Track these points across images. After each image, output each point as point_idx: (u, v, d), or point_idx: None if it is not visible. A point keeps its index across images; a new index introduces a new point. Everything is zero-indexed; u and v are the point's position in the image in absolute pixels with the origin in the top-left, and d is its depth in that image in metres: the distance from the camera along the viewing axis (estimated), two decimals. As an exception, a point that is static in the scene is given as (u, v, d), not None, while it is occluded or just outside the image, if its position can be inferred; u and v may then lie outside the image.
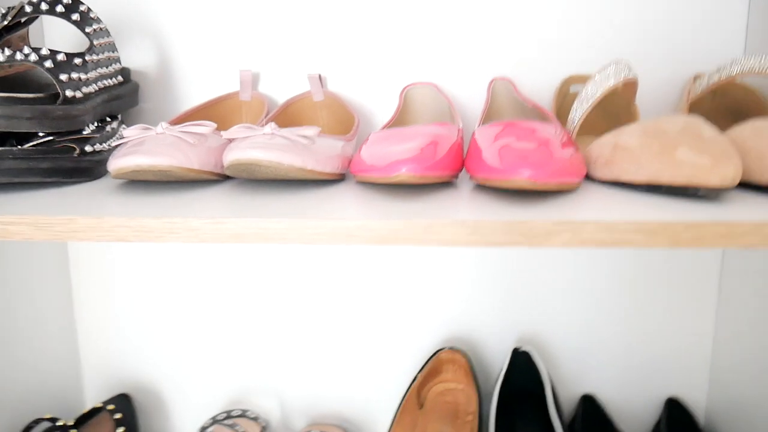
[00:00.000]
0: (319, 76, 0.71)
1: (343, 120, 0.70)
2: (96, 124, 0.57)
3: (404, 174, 0.43)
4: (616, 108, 0.63)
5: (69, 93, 0.53)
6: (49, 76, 0.52)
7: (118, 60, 0.64)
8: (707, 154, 0.43)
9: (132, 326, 0.82)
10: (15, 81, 0.60)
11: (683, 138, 0.45)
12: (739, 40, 0.69)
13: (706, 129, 0.46)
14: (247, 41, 0.73)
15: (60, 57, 0.53)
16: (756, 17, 0.67)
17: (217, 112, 0.71)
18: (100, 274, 0.80)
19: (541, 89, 0.71)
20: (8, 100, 0.49)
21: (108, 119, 0.61)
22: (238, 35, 0.73)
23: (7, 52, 0.52)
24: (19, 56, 0.52)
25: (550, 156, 0.43)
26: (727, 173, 0.41)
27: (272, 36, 0.72)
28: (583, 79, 0.69)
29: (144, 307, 0.81)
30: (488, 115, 0.64)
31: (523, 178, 0.41)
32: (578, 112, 0.56)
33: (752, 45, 0.68)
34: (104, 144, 0.57)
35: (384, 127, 0.61)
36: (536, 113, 0.63)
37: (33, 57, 0.52)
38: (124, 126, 0.63)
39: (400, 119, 0.68)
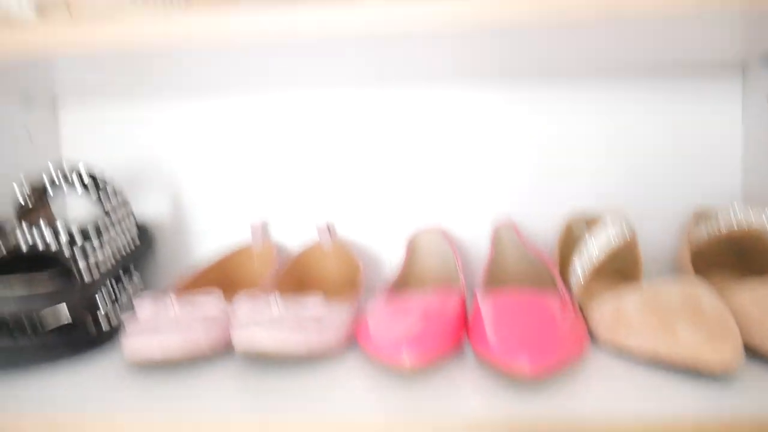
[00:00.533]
0: (328, 226, 0.73)
1: (351, 267, 0.72)
2: (111, 293, 0.59)
3: (407, 360, 0.44)
4: (621, 253, 0.64)
5: (87, 278, 0.55)
6: (70, 265, 0.54)
7: (135, 224, 0.67)
8: (705, 332, 0.43)
9: None
10: (14, 262, 0.62)
11: (683, 313, 0.45)
12: (737, 171, 0.71)
13: (706, 301, 0.47)
14: (258, 191, 0.76)
15: (79, 240, 0.56)
16: (752, 148, 0.68)
17: (230, 264, 0.73)
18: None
19: (545, 226, 0.73)
20: (31, 297, 0.51)
21: (122, 275, 0.63)
22: (249, 185, 0.76)
23: (28, 235, 0.55)
24: (40, 243, 0.54)
25: (551, 342, 0.44)
26: (725, 356, 0.42)
27: (282, 185, 0.76)
28: (584, 220, 0.70)
29: None
30: (493, 267, 0.66)
31: (523, 370, 0.42)
32: (580, 270, 0.57)
33: (749, 178, 0.69)
34: (117, 314, 0.59)
35: (393, 283, 0.63)
36: (539, 266, 0.64)
37: (54, 246, 0.54)
38: (137, 278, 0.65)
39: (408, 269, 0.69)
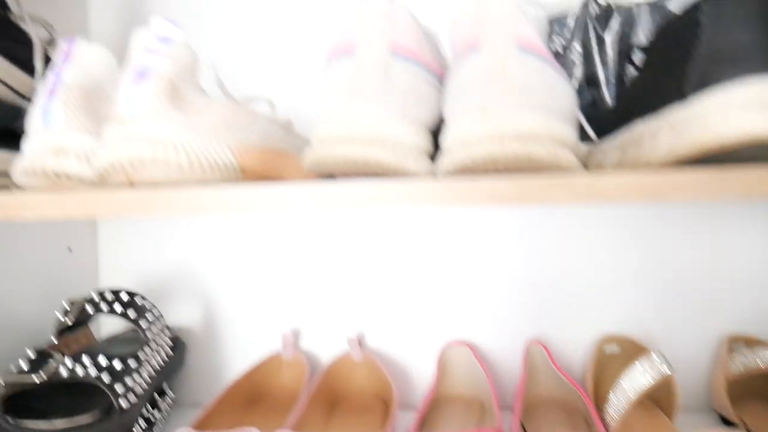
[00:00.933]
0: (358, 338, 0.73)
1: (382, 383, 0.72)
2: (147, 414, 0.59)
3: None
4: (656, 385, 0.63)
5: (124, 403, 0.56)
6: (107, 391, 0.55)
7: (169, 338, 0.68)
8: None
9: None
10: (53, 387, 0.62)
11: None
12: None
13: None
14: (289, 300, 0.76)
15: (117, 366, 0.57)
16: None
17: (260, 374, 0.73)
18: None
19: (576, 346, 0.72)
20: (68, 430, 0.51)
21: (156, 395, 0.63)
22: (280, 295, 0.77)
23: (68, 363, 0.55)
24: (80, 371, 0.55)
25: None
26: None
27: (313, 295, 0.76)
28: (617, 340, 0.70)
29: None
30: (525, 392, 0.65)
31: None
32: (615, 408, 0.56)
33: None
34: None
35: (425, 405, 0.62)
36: (572, 391, 0.63)
37: (93, 371, 0.55)
38: (170, 393, 0.65)
39: (439, 389, 0.69)
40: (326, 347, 0.77)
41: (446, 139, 0.39)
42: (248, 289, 0.77)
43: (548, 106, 0.38)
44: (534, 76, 0.38)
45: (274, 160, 0.48)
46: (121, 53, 0.76)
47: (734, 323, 0.71)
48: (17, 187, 0.47)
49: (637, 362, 0.58)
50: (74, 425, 0.52)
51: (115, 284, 0.79)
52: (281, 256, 0.77)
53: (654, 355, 0.58)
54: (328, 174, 0.44)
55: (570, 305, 0.72)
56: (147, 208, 0.40)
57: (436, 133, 0.45)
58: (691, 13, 0.38)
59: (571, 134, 0.39)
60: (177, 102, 0.41)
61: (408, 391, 0.75)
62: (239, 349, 0.78)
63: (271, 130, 0.49)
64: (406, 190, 0.38)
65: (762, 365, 0.60)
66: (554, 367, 0.67)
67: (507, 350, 0.73)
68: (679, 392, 0.60)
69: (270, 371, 0.74)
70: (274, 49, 0.76)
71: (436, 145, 0.45)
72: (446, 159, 0.39)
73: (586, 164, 0.53)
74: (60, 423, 0.51)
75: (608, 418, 0.57)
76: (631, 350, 0.70)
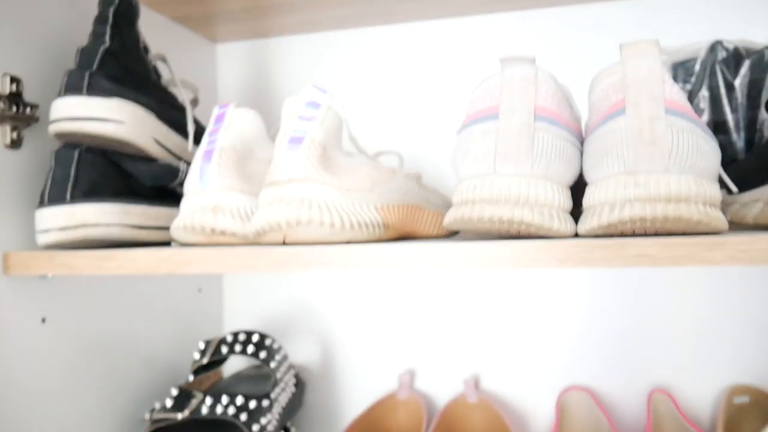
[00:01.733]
0: (474, 380, 0.74)
1: (496, 424, 0.72)
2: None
3: None
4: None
5: (259, 441, 0.58)
6: (244, 429, 0.58)
7: (294, 375, 0.71)
8: None
9: None
10: (194, 425, 0.66)
11: None
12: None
13: None
14: (405, 341, 0.78)
15: (252, 405, 0.60)
16: None
17: (376, 414, 0.74)
18: None
19: (699, 395, 0.70)
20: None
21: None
22: (397, 335, 0.78)
23: (209, 401, 0.59)
24: (219, 409, 0.58)
25: None
26: None
27: (429, 336, 0.77)
28: (748, 391, 0.68)
29: None
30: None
31: None
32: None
33: None
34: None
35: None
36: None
37: (231, 410, 0.58)
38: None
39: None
40: (442, 388, 0.77)
41: (591, 198, 0.40)
42: (365, 329, 0.79)
43: (697, 166, 0.38)
44: (682, 137, 0.38)
45: (412, 215, 0.50)
46: (248, 105, 0.81)
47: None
48: (176, 242, 0.50)
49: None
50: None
51: (239, 323, 0.83)
52: (398, 296, 0.78)
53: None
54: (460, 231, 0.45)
55: (694, 354, 0.70)
56: (297, 265, 0.43)
57: (573, 189, 0.46)
58: None
59: (719, 194, 0.39)
60: (327, 164, 0.44)
61: (524, 436, 0.75)
62: (355, 388, 0.80)
63: (408, 186, 0.51)
64: (551, 250, 0.39)
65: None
66: (681, 417, 0.65)
67: (626, 398, 0.72)
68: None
69: (386, 411, 0.76)
70: (396, 101, 0.79)
71: (574, 201, 0.46)
72: (593, 219, 0.39)
73: (727, 214, 0.52)
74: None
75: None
76: (762, 401, 0.67)
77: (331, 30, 0.81)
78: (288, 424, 0.69)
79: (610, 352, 0.72)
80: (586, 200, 0.41)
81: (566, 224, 0.41)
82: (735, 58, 0.62)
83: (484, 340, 0.76)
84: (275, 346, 0.68)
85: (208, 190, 0.48)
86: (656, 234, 0.40)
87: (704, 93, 0.63)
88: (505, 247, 0.39)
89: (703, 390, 0.71)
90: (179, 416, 0.58)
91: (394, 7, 0.74)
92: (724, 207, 0.53)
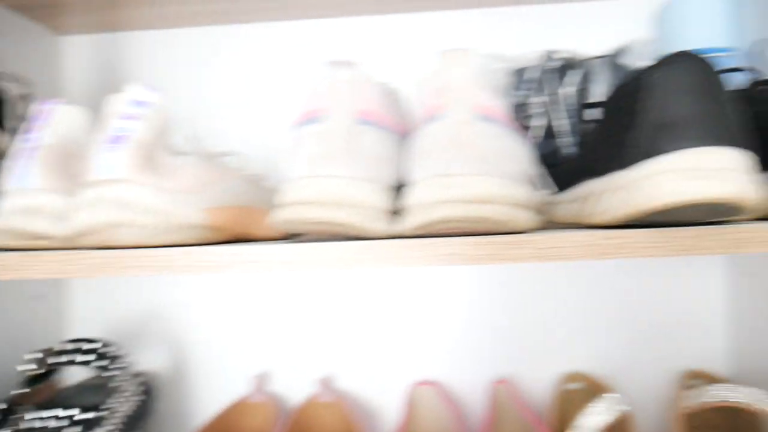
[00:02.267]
0: (327, 380, 0.74)
1: (347, 422, 0.73)
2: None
3: None
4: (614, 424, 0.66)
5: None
6: (77, 441, 0.55)
7: (138, 384, 0.68)
8: None
9: None
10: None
11: None
12: (719, 337, 0.74)
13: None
14: (258, 344, 0.77)
15: (86, 416, 0.57)
16: (734, 316, 0.72)
17: (230, 418, 0.73)
18: None
19: (540, 385, 0.74)
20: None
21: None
22: (249, 339, 0.77)
23: (42, 414, 0.56)
24: (52, 423, 0.55)
25: None
26: None
27: (282, 339, 0.77)
28: (579, 377, 0.73)
29: None
30: (493, 428, 0.67)
31: None
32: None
33: (733, 344, 0.72)
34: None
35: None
36: (536, 428, 0.65)
37: (64, 423, 0.55)
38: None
39: (407, 429, 0.70)
40: (296, 390, 0.77)
41: (409, 200, 0.41)
42: (217, 333, 0.78)
43: (505, 170, 0.40)
44: (492, 142, 0.40)
45: (243, 217, 0.49)
46: (95, 104, 0.77)
47: (691, 360, 0.73)
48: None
49: (593, 402, 0.60)
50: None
51: (85, 331, 0.79)
52: (249, 299, 0.78)
53: (610, 395, 0.60)
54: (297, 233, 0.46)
55: (535, 346, 0.75)
56: (116, 269, 0.41)
57: (398, 188, 0.47)
58: (637, 80, 0.41)
59: (528, 195, 0.41)
60: (149, 165, 0.42)
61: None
62: (209, 393, 0.78)
63: (242, 187, 0.50)
64: (370, 250, 0.40)
65: (714, 400, 0.63)
66: (518, 406, 0.69)
67: (475, 391, 0.75)
68: (636, 429, 0.62)
69: (239, 415, 0.75)
70: (245, 100, 0.78)
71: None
72: (409, 220, 0.41)
73: (545, 213, 0.56)
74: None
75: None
76: (593, 388, 0.72)
77: (183, 27, 0.79)
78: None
79: (457, 347, 0.75)
80: (405, 201, 0.42)
81: (385, 225, 0.42)
82: (565, 67, 0.67)
83: (338, 339, 0.77)
84: (116, 353, 0.65)
85: (26, 191, 0.45)
86: (468, 234, 0.42)
87: (539, 100, 0.67)
88: (320, 248, 0.40)
89: (543, 379, 0.75)
90: (4, 432, 0.55)
91: (247, 5, 0.73)
92: (549, 207, 0.56)
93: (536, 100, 0.67)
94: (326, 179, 0.40)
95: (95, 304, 0.79)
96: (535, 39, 0.74)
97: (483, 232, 0.42)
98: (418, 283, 0.76)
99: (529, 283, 0.75)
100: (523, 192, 0.41)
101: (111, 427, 0.59)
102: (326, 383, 0.74)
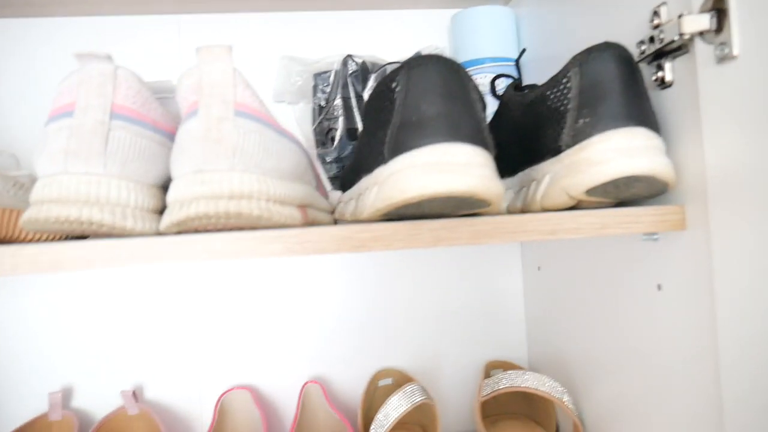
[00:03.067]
0: (133, 392, 0.71)
1: (158, 434, 0.70)
2: None
3: None
4: (420, 411, 0.68)
5: None
6: None
7: None
8: None
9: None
10: None
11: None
12: (521, 328, 0.79)
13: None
14: (57, 357, 0.72)
15: None
16: (529, 308, 0.77)
17: (24, 439, 0.68)
18: None
19: (354, 384, 0.76)
20: None
21: None
22: (49, 352, 0.72)
23: None
24: None
25: None
26: None
27: (86, 350, 0.73)
28: (391, 373, 0.75)
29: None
30: (301, 428, 0.67)
31: None
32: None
33: (531, 329, 0.77)
34: None
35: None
36: (342, 425, 0.66)
37: None
38: None
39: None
40: (103, 405, 0.73)
41: (168, 196, 0.40)
42: (11, 348, 0.72)
43: (262, 165, 0.41)
44: (248, 138, 0.40)
45: (2, 220, 0.46)
46: None
47: (495, 350, 0.78)
48: None
49: (392, 396, 0.62)
50: None
51: None
52: (47, 309, 0.73)
53: (409, 386, 0.62)
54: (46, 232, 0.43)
55: (351, 344, 0.76)
56: None
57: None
58: (389, 80, 0.43)
59: (286, 191, 0.42)
60: None
61: (190, 442, 0.74)
62: (5, 414, 0.72)
63: (4, 188, 0.47)
64: (124, 248, 0.39)
65: (507, 386, 0.67)
66: (327, 403, 0.70)
67: (285, 393, 0.75)
68: (440, 418, 0.65)
69: (36, 435, 0.70)
70: (19, 99, 0.73)
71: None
72: (166, 217, 0.40)
73: (334, 213, 0.57)
74: None
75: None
76: (402, 382, 0.75)
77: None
78: None
79: (271, 351, 0.75)
80: (167, 198, 0.41)
81: (144, 223, 0.41)
82: (363, 71, 0.69)
83: (145, 347, 0.74)
84: None
85: None
86: (226, 230, 0.42)
87: (338, 102, 0.68)
88: (81, 247, 0.38)
89: (359, 377, 0.77)
90: None
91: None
92: (338, 205, 0.58)
93: (337, 103, 0.68)
94: (77, 176, 0.39)
95: None
96: (335, 43, 0.76)
97: (240, 227, 0.42)
98: (225, 286, 0.75)
99: (342, 282, 0.76)
100: (282, 188, 0.42)
101: None
102: (130, 395, 0.71)
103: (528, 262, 0.77)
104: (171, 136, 0.45)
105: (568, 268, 0.65)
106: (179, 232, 0.42)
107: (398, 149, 0.41)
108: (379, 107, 0.44)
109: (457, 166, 0.40)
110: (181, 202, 0.39)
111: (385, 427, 0.60)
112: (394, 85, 0.42)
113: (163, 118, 0.45)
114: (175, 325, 0.74)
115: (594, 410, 0.61)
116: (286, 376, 0.75)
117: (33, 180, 0.53)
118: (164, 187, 0.45)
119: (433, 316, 0.78)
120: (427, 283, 0.78)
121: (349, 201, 0.53)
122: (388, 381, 0.75)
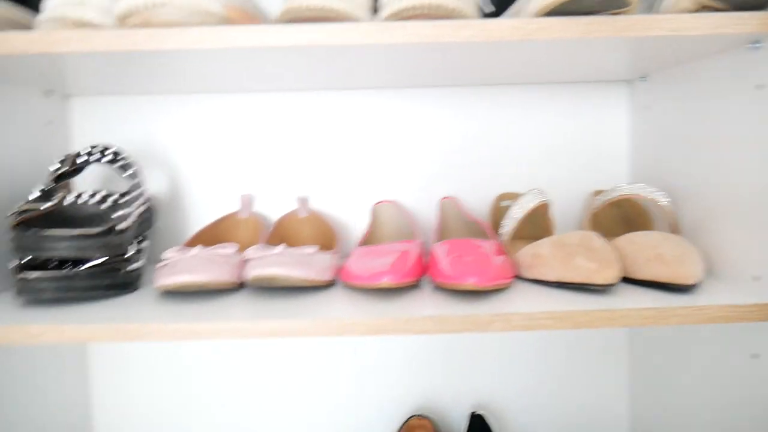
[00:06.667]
0: (304, 198, 0.88)
1: (323, 233, 0.87)
2: (135, 247, 0.72)
3: (385, 282, 0.60)
4: (538, 218, 0.82)
5: (119, 226, 0.68)
6: (107, 213, 0.67)
7: (145, 192, 0.80)
8: (595, 261, 0.61)
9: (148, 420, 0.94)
10: (59, 215, 0.74)
11: (579, 249, 0.64)
12: (624, 165, 0.91)
13: (596, 241, 0.65)
14: (244, 168, 0.90)
15: (113, 197, 0.69)
16: (636, 148, 0.89)
17: (220, 229, 0.87)
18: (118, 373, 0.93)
19: (480, 202, 0.91)
20: (81, 236, 0.63)
21: (140, 239, 0.76)
22: (236, 164, 0.90)
23: (72, 195, 0.68)
24: (84, 199, 0.67)
25: (487, 266, 0.61)
26: (609, 275, 0.60)
27: (265, 164, 0.90)
28: (511, 196, 0.89)
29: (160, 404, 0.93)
30: (441, 230, 0.83)
31: (469, 283, 0.59)
32: (507, 227, 0.75)
33: (636, 168, 0.89)
34: (140, 262, 0.72)
35: (361, 242, 0.79)
36: (477, 228, 0.82)
37: (95, 200, 0.68)
38: (149, 242, 0.78)
39: (372, 233, 0.85)
40: (277, 209, 0.91)
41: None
42: (208, 160, 0.90)
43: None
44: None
45: (247, 18, 0.61)
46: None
47: (597, 183, 0.91)
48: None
49: (522, 195, 0.76)
50: (86, 233, 0.64)
51: (87, 158, 0.90)
52: (239, 130, 0.90)
53: (533, 189, 0.76)
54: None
55: (478, 170, 0.90)
56: (158, 42, 0.54)
57: None
58: None
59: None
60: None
61: (347, 244, 0.91)
62: (202, 213, 0.91)
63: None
64: (355, 30, 0.53)
65: (614, 197, 0.80)
66: (461, 212, 0.85)
67: (428, 205, 0.91)
68: (554, 224, 0.79)
69: (228, 228, 0.88)
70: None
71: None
72: (385, 9, 0.54)
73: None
74: (74, 231, 0.63)
75: (502, 236, 0.76)
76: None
77: None
78: (141, 237, 0.79)
79: (412, 173, 0.90)
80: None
81: (365, 12, 0.55)
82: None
83: (311, 170, 0.90)
84: (130, 160, 0.77)
85: (72, -13, 0.56)
86: (428, 18, 0.56)
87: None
88: (319, 28, 0.53)
89: (482, 196, 0.91)
90: (42, 207, 0.66)
91: None
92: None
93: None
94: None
95: (99, 135, 0.89)
96: None
97: (437, 17, 0.55)
98: (381, 114, 0.90)
99: (474, 119, 0.90)
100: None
101: (130, 211, 0.71)
102: (303, 201, 0.88)
103: (637, 100, 0.88)
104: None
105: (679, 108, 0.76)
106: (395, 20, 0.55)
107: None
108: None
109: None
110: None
111: (517, 217, 0.74)
112: None
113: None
114: (335, 147, 0.90)
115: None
116: (423, 193, 0.91)
117: None
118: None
119: (548, 149, 0.90)
120: (544, 120, 0.90)
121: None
122: (508, 202, 0.89)
